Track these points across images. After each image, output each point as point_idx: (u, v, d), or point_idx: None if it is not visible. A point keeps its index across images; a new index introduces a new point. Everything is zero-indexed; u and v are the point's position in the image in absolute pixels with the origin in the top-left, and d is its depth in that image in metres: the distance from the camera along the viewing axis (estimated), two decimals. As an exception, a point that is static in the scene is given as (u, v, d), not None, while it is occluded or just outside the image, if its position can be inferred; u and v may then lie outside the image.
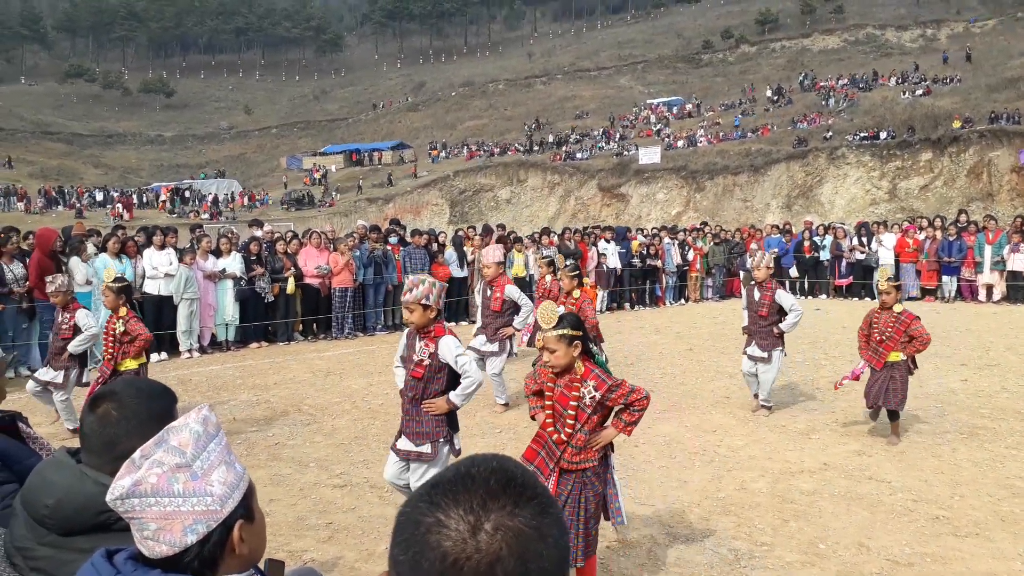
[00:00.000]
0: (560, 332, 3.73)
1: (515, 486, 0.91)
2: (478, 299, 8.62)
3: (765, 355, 7.41)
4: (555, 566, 0.90)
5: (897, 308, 6.65)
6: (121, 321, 6.39)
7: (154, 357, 10.88)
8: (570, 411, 3.78)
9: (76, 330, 6.91)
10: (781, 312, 7.41)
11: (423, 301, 4.25)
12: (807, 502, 5.21)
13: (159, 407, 1.84)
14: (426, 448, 4.34)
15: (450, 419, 4.43)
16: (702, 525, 4.84)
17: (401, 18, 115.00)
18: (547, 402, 3.90)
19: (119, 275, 6.83)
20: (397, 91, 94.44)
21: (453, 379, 4.39)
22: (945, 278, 17.03)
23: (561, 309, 4.06)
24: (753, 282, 7.62)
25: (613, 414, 3.90)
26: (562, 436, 3.79)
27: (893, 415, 6.63)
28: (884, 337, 6.61)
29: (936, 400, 8.01)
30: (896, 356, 6.56)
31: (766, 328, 7.43)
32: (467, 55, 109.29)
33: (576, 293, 7.73)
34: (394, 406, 6.44)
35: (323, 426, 7.28)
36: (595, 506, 3.79)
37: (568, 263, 8.07)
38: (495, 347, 7.99)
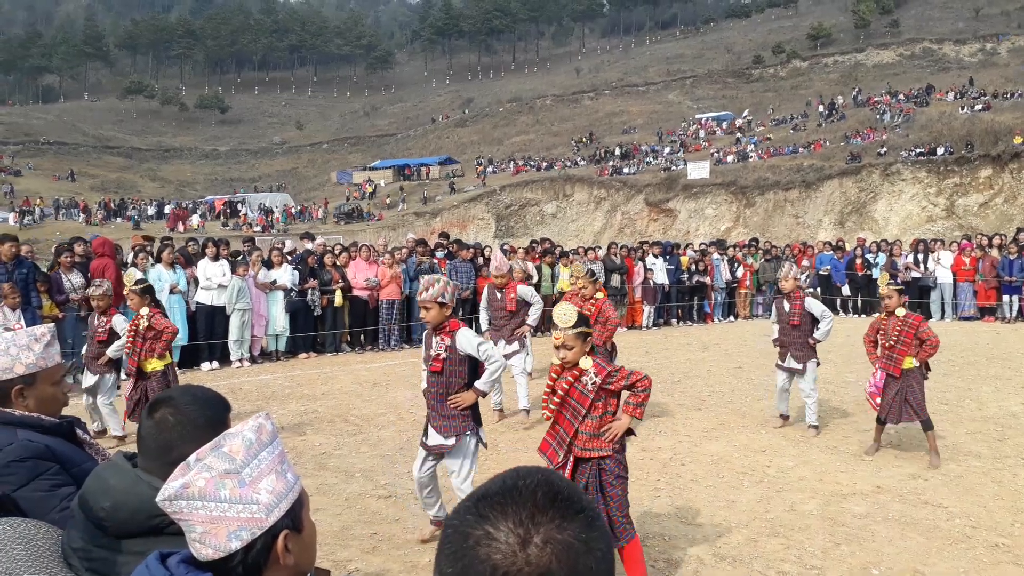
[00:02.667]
0: (579, 330, 3.98)
1: (562, 499, 0.90)
2: (483, 309, 8.80)
3: (800, 366, 7.45)
4: None
5: (900, 312, 6.58)
6: (145, 318, 6.63)
7: (205, 366, 11.16)
8: (575, 399, 4.01)
9: (112, 334, 7.22)
10: (813, 321, 7.42)
11: (439, 299, 4.50)
12: (859, 525, 5.07)
13: (214, 414, 1.88)
14: (452, 440, 4.55)
15: (474, 414, 4.65)
16: (750, 546, 4.75)
17: (450, 35, 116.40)
18: (557, 395, 4.10)
19: (138, 278, 7.07)
20: (446, 107, 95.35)
21: (473, 373, 4.62)
22: (1006, 297, 16.50)
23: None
24: (781, 294, 7.72)
25: (623, 403, 4.07)
26: (572, 424, 3.99)
27: (926, 425, 6.47)
28: (895, 342, 6.52)
29: (996, 423, 7.75)
30: (910, 362, 6.48)
31: (800, 339, 7.45)
32: (515, 71, 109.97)
33: (598, 295, 7.98)
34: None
35: (369, 436, 7.35)
36: (620, 491, 3.94)
37: (586, 270, 8.37)
38: (515, 346, 8.20)
